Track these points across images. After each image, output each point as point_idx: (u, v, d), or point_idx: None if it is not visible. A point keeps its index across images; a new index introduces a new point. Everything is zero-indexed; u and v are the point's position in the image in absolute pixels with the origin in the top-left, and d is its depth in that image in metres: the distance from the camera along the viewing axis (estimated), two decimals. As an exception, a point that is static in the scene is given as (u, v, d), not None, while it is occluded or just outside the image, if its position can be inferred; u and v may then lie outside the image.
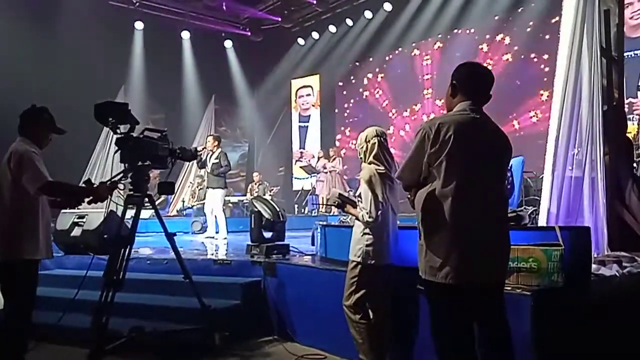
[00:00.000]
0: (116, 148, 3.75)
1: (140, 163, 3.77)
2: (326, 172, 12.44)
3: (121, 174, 3.69)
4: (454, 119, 2.43)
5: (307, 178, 13.56)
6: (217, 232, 8.30)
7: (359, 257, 3.41)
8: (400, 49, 13.01)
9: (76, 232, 6.11)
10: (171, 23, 13.27)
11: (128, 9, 12.55)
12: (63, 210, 6.31)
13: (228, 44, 14.34)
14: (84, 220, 6.11)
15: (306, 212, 12.86)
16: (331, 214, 11.43)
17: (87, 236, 5.97)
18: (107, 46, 11.19)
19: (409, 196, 2.58)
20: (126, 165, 3.74)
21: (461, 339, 2.38)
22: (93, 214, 6.12)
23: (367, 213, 3.34)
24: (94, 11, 11.32)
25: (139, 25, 12.66)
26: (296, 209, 13.41)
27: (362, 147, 3.53)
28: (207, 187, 8.49)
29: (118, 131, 3.71)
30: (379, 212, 3.34)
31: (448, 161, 2.35)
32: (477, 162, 2.41)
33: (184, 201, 12.42)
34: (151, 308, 4.62)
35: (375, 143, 3.47)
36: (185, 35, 13.47)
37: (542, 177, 4.51)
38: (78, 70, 10.41)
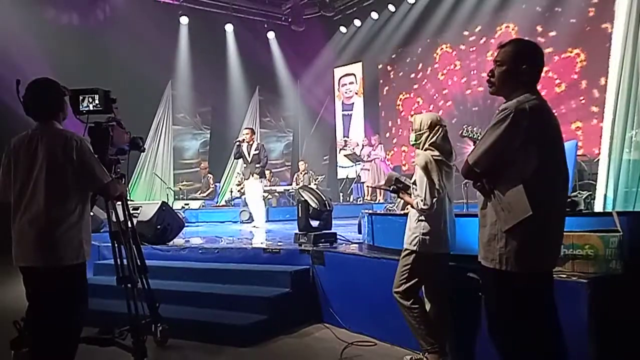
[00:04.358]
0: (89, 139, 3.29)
1: (111, 154, 3.43)
2: (370, 160, 12.40)
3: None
4: (537, 104, 2.28)
5: (351, 166, 13.55)
6: (252, 220, 8.49)
7: (414, 245, 3.30)
8: (444, 34, 12.69)
9: (130, 223, 6.31)
10: (215, 17, 13.46)
11: (173, 4, 12.83)
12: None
13: (270, 35, 14.43)
14: (138, 211, 6.28)
15: (351, 200, 12.89)
16: (377, 202, 11.41)
17: (142, 227, 6.10)
18: (153, 42, 11.42)
19: (478, 184, 2.39)
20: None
21: (533, 332, 2.31)
22: (147, 206, 6.31)
23: (422, 200, 3.21)
24: (141, 8, 11.58)
25: (184, 20, 12.90)
26: (341, 197, 13.47)
27: (421, 133, 3.35)
28: (246, 178, 8.64)
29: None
30: (434, 199, 3.21)
31: (540, 148, 2.24)
32: (558, 147, 2.34)
33: (232, 191, 12.67)
34: (203, 295, 4.74)
35: (438, 131, 3.32)
36: (229, 28, 13.64)
37: (598, 160, 4.36)
38: (126, 67, 10.65)
